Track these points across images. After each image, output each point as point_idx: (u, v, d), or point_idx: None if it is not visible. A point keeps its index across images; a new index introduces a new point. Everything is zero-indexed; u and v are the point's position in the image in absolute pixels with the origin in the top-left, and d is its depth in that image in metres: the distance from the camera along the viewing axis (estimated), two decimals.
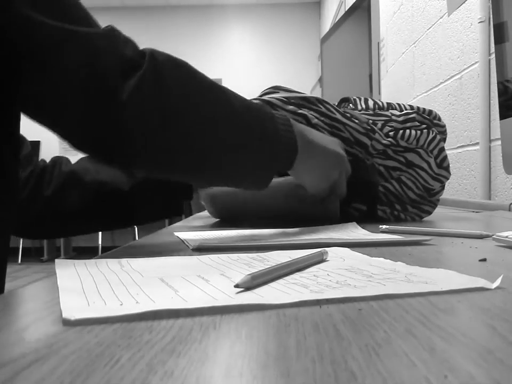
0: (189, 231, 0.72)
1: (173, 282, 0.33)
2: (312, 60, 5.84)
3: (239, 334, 0.23)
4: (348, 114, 0.84)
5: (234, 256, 0.46)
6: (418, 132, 0.86)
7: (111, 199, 0.77)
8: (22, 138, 0.72)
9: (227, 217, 0.91)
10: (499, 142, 1.26)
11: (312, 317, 0.25)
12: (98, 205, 0.77)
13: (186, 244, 0.56)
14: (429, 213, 0.90)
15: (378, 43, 2.23)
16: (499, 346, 0.20)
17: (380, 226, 0.68)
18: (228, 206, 0.86)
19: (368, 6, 2.16)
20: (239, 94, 0.59)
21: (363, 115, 0.87)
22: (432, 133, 0.87)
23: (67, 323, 0.25)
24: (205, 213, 1.13)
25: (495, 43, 0.87)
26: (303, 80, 5.74)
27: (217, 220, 0.95)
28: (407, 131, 0.85)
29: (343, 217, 0.82)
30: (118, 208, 0.78)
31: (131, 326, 0.24)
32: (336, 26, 2.80)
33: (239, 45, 6.11)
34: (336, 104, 0.94)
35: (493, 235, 0.55)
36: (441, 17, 1.77)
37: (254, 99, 0.86)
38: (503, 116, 0.84)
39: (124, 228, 0.85)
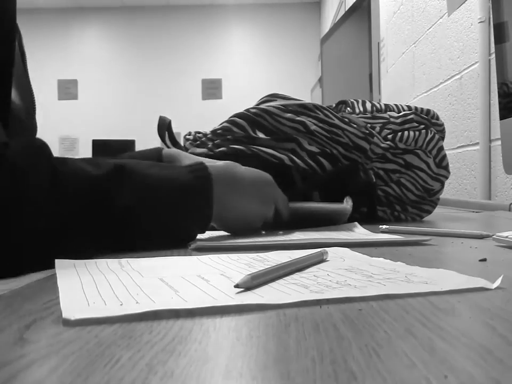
0: None
1: (173, 282, 0.33)
2: (312, 60, 5.83)
3: (239, 334, 0.23)
4: (346, 119, 0.84)
5: (234, 256, 0.46)
6: (417, 133, 0.86)
7: None
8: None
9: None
10: (499, 142, 1.25)
11: (312, 317, 0.25)
12: None
13: (189, 243, 0.55)
14: (429, 212, 0.91)
15: (378, 43, 2.23)
16: (499, 346, 0.20)
17: (380, 226, 0.68)
18: None
19: (368, 6, 2.16)
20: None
21: (361, 119, 0.87)
22: (431, 133, 0.87)
23: (67, 323, 0.25)
24: None
25: (495, 43, 0.87)
26: (303, 80, 5.73)
27: None
28: (405, 133, 0.85)
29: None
30: None
31: (131, 326, 0.24)
32: (336, 26, 2.79)
33: (239, 45, 6.10)
34: (333, 106, 0.94)
35: (493, 235, 0.55)
36: (441, 17, 1.77)
37: (252, 108, 0.85)
38: (503, 116, 0.84)
39: None
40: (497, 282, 0.31)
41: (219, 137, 0.84)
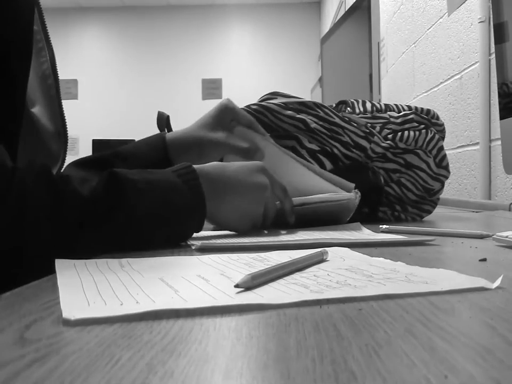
0: None
1: (173, 282, 0.33)
2: (312, 60, 5.83)
3: (239, 334, 0.23)
4: (347, 118, 0.84)
5: (234, 256, 0.46)
6: (417, 133, 0.86)
7: None
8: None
9: None
10: (499, 142, 1.26)
11: (312, 317, 0.25)
12: None
13: (189, 243, 0.56)
14: (429, 212, 0.91)
15: (378, 43, 2.23)
16: (499, 346, 0.20)
17: (380, 226, 0.68)
18: None
19: (368, 6, 2.16)
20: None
21: (361, 118, 0.87)
22: (431, 133, 0.87)
23: (67, 323, 0.25)
24: None
25: (495, 43, 0.87)
26: (303, 80, 5.73)
27: None
28: (406, 133, 0.85)
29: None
30: None
31: (131, 326, 0.24)
32: (336, 26, 2.80)
33: (239, 45, 6.10)
34: (333, 106, 0.94)
35: (493, 235, 0.55)
36: (441, 17, 1.77)
37: (253, 104, 0.85)
38: (503, 116, 0.84)
39: None
40: (497, 282, 0.31)
41: None
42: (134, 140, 0.91)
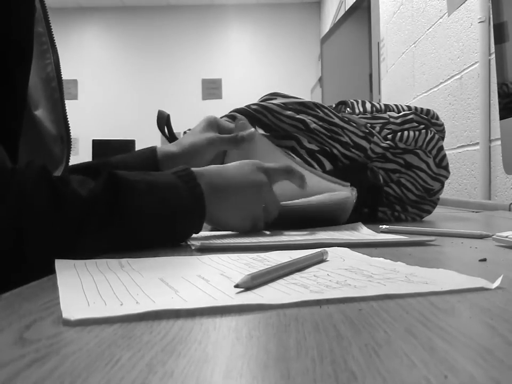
0: None
1: (173, 282, 0.33)
2: (312, 60, 5.83)
3: (239, 334, 0.23)
4: (346, 118, 0.84)
5: (234, 256, 0.46)
6: (417, 133, 0.86)
7: None
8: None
9: None
10: (499, 142, 1.26)
11: (312, 317, 0.25)
12: None
13: (189, 243, 0.56)
14: (429, 212, 0.91)
15: (378, 43, 2.23)
16: (499, 346, 0.20)
17: (380, 226, 0.68)
18: None
19: (368, 6, 2.16)
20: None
21: (361, 119, 0.87)
22: (431, 133, 0.87)
23: (67, 323, 0.25)
24: None
25: (495, 43, 0.87)
26: (303, 80, 5.73)
27: None
28: (405, 133, 0.85)
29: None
30: None
31: (131, 326, 0.24)
32: (336, 26, 2.80)
33: (239, 45, 6.10)
34: (333, 106, 0.94)
35: (493, 235, 0.55)
36: (441, 17, 1.77)
37: (252, 104, 0.85)
38: (503, 116, 0.84)
39: None
40: (497, 282, 0.31)
41: None
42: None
